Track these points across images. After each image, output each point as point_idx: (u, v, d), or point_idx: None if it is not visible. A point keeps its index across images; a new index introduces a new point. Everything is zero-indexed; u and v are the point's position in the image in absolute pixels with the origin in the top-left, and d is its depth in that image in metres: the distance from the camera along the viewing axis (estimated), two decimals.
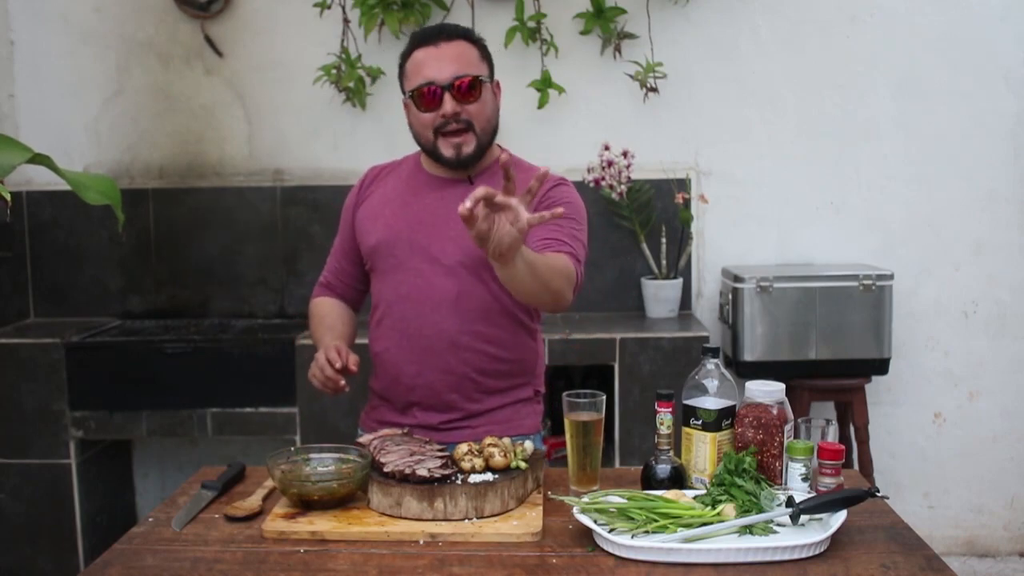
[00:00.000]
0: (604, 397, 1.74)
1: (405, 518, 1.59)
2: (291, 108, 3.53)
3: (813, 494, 1.62)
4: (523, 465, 1.67)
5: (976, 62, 3.44)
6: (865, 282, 3.21)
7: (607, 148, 3.33)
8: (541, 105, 3.38)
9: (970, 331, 3.54)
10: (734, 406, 1.72)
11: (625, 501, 1.56)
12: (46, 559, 3.22)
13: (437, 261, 1.92)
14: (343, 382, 1.84)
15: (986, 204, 3.50)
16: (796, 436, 1.74)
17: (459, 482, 1.61)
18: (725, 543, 1.47)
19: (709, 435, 1.70)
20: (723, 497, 1.56)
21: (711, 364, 1.74)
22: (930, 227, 3.51)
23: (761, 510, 1.54)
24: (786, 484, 1.68)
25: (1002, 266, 3.51)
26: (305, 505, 1.64)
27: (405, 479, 1.60)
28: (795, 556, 1.44)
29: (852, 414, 3.28)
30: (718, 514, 1.52)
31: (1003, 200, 3.49)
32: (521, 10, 3.33)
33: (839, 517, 1.51)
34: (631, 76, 3.40)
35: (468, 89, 1.87)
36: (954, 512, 3.61)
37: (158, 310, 3.59)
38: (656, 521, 1.51)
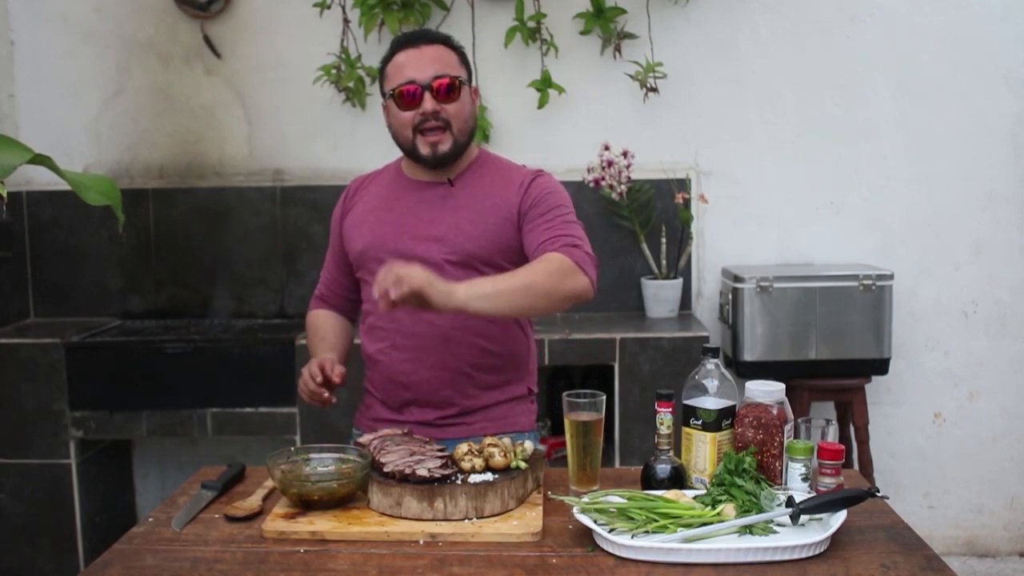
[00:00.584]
0: (604, 397, 1.74)
1: (405, 518, 1.59)
2: (291, 108, 3.53)
3: (813, 494, 1.62)
4: (523, 465, 1.68)
5: (976, 62, 3.44)
6: (865, 282, 3.21)
7: (607, 148, 3.33)
8: (541, 105, 3.38)
9: (970, 331, 3.54)
10: (734, 406, 1.72)
11: (625, 501, 1.56)
12: (46, 559, 3.22)
13: (423, 261, 1.91)
14: (327, 395, 1.88)
15: (986, 204, 3.50)
16: (796, 436, 1.74)
17: (459, 482, 1.61)
18: (725, 543, 1.47)
19: (709, 435, 1.70)
20: (723, 497, 1.56)
21: (711, 364, 1.74)
22: (930, 227, 3.51)
23: (761, 510, 1.54)
24: (786, 484, 1.68)
25: (1002, 266, 3.51)
26: (305, 505, 1.64)
27: (405, 479, 1.60)
28: (795, 556, 1.44)
29: (852, 414, 3.28)
30: (718, 514, 1.52)
31: (1003, 200, 3.49)
32: (521, 10, 3.33)
33: (839, 517, 1.51)
34: (631, 76, 3.40)
35: (447, 90, 1.92)
36: (954, 512, 3.61)
37: (158, 310, 3.59)
38: (656, 521, 1.51)
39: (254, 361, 3.15)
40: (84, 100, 3.56)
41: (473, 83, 2.02)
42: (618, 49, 3.42)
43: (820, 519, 1.55)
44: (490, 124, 3.43)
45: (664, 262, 3.43)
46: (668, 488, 1.66)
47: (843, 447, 1.68)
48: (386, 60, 1.99)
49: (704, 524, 1.50)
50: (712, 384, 1.72)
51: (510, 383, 2.03)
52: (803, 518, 1.54)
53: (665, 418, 1.71)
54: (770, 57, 3.47)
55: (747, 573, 1.42)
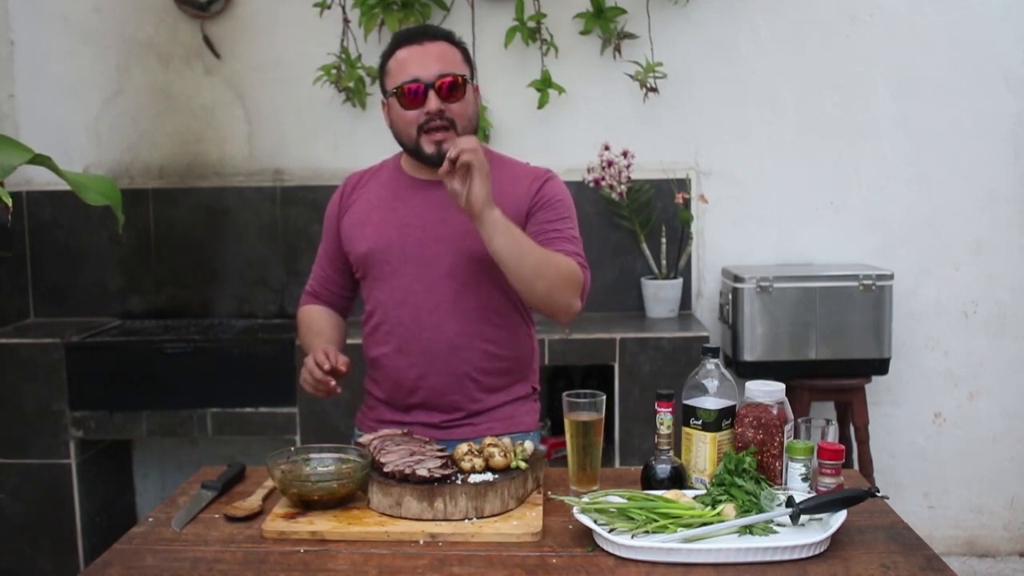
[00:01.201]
0: (604, 397, 1.74)
1: (405, 518, 1.59)
2: (291, 108, 3.53)
3: (813, 494, 1.62)
4: (523, 465, 1.67)
5: (976, 62, 3.44)
6: (865, 282, 3.21)
7: (607, 148, 3.33)
8: (541, 105, 3.38)
9: (970, 331, 3.54)
10: (734, 406, 1.72)
11: (625, 501, 1.56)
12: (46, 559, 3.22)
13: (431, 265, 1.92)
14: (333, 383, 1.84)
15: (986, 204, 3.50)
16: (796, 436, 1.74)
17: (459, 482, 1.61)
18: (725, 543, 1.47)
19: (709, 435, 1.70)
20: (723, 497, 1.56)
21: (711, 364, 1.74)
22: (930, 227, 3.51)
23: (761, 510, 1.54)
24: (786, 484, 1.68)
25: (1002, 266, 3.51)
26: (305, 505, 1.64)
27: (405, 479, 1.60)
28: (795, 556, 1.44)
29: (852, 414, 3.28)
30: (718, 514, 1.52)
31: (1003, 200, 3.49)
32: (521, 10, 3.33)
33: (839, 517, 1.51)
34: (631, 76, 3.40)
35: (452, 88, 1.88)
36: (954, 512, 3.61)
37: (158, 310, 3.59)
38: (656, 521, 1.51)
39: (254, 361, 3.15)
40: (84, 100, 3.56)
41: (475, 80, 1.99)
42: (618, 49, 3.42)
43: (820, 519, 1.55)
44: (490, 124, 3.43)
45: (664, 262, 3.43)
46: (668, 488, 1.65)
47: (843, 447, 1.68)
48: (387, 55, 1.95)
49: (704, 524, 1.50)
50: (712, 384, 1.72)
51: (515, 383, 2.02)
52: (803, 518, 1.54)
53: (665, 418, 1.70)
54: (770, 57, 3.47)
55: (747, 573, 1.42)
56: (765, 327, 3.21)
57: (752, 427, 1.71)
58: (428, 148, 1.90)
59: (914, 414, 3.58)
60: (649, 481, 1.70)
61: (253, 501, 1.70)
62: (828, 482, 1.65)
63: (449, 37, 1.95)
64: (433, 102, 1.87)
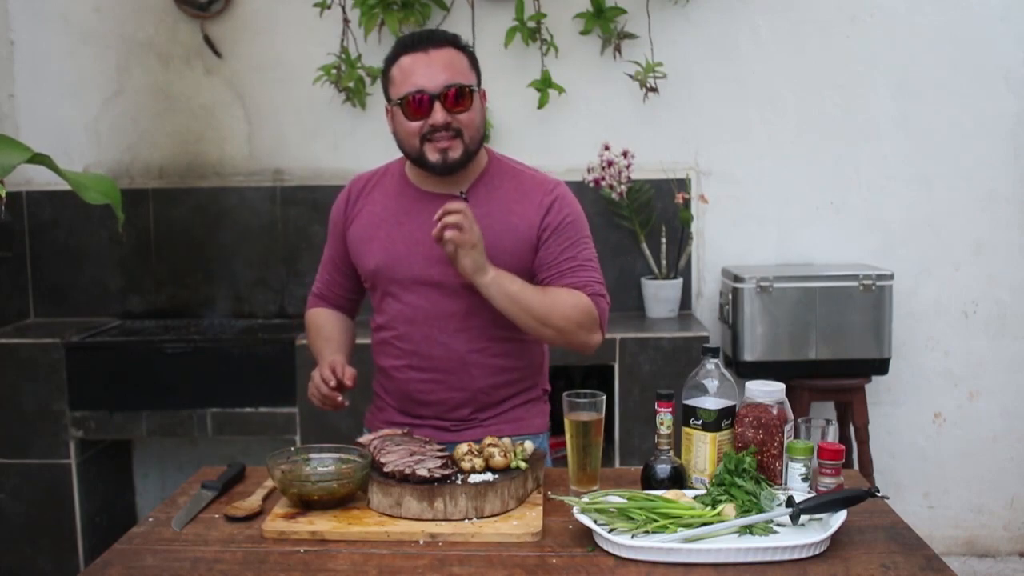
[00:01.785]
0: (604, 397, 1.74)
1: (405, 518, 1.59)
2: (291, 108, 3.53)
3: (813, 494, 1.62)
4: (523, 465, 1.68)
5: (976, 62, 3.44)
6: (865, 282, 3.21)
7: (607, 148, 3.33)
8: (541, 105, 3.38)
9: (970, 331, 3.54)
10: (734, 406, 1.72)
11: (625, 501, 1.56)
12: (46, 559, 3.22)
13: (441, 284, 1.90)
14: (340, 398, 1.85)
15: (986, 204, 3.50)
16: (796, 436, 1.74)
17: (459, 482, 1.61)
18: (725, 543, 1.47)
19: (709, 435, 1.70)
20: (723, 497, 1.56)
21: (711, 364, 1.74)
22: (930, 227, 3.51)
23: (761, 510, 1.54)
24: (786, 484, 1.68)
25: (1002, 266, 3.51)
26: (305, 505, 1.64)
27: (405, 479, 1.60)
28: (795, 556, 1.44)
29: (852, 414, 3.28)
30: (718, 514, 1.52)
31: (1003, 200, 3.49)
32: (521, 10, 3.33)
33: (839, 517, 1.51)
34: (631, 76, 3.40)
35: (458, 98, 1.83)
36: (954, 512, 3.61)
37: (158, 310, 3.59)
38: (656, 521, 1.51)
39: (254, 361, 3.15)
40: (84, 100, 3.56)
41: (481, 85, 1.94)
42: (618, 49, 3.42)
43: (820, 519, 1.55)
44: (490, 124, 3.42)
45: (664, 262, 3.43)
46: (668, 488, 1.65)
47: (843, 447, 1.68)
48: (390, 61, 1.88)
49: (704, 524, 1.50)
50: (712, 384, 1.72)
51: (526, 388, 2.02)
52: (803, 518, 1.54)
53: (665, 418, 1.70)
54: (770, 57, 3.47)
55: (747, 573, 1.42)
56: (765, 327, 3.21)
57: (752, 427, 1.71)
58: (432, 156, 1.86)
59: (914, 414, 3.58)
60: (649, 481, 1.70)
61: (253, 501, 1.70)
62: (828, 482, 1.65)
63: (455, 42, 1.89)
64: (439, 114, 1.82)
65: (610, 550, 1.47)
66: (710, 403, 1.71)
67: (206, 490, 1.77)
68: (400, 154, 1.97)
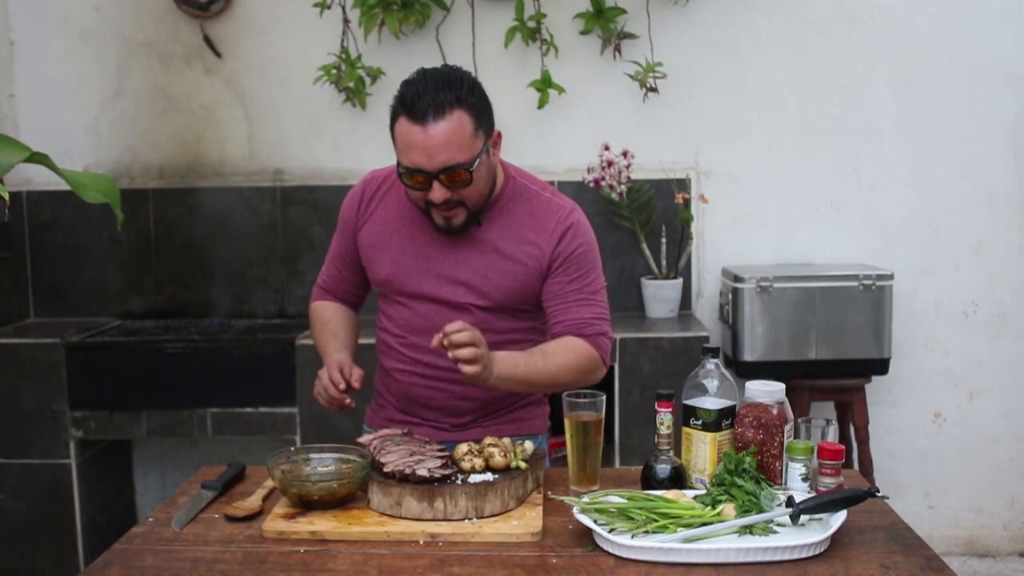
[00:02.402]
0: (604, 397, 1.74)
1: (405, 518, 1.59)
2: (291, 108, 3.53)
3: (813, 494, 1.62)
4: (523, 465, 1.68)
5: (976, 62, 3.44)
6: (865, 282, 3.21)
7: (607, 148, 3.33)
8: (541, 105, 3.38)
9: (970, 331, 3.54)
10: (734, 406, 1.72)
11: (625, 501, 1.56)
12: (46, 559, 3.22)
13: (448, 303, 1.90)
14: (348, 400, 1.85)
15: (986, 204, 3.50)
16: (796, 436, 1.74)
17: (459, 482, 1.61)
18: (725, 543, 1.47)
19: (709, 435, 1.70)
20: (723, 497, 1.57)
21: (711, 364, 1.74)
22: (930, 227, 3.51)
23: (761, 510, 1.54)
24: (786, 484, 1.68)
25: (1002, 266, 3.51)
26: (305, 505, 1.64)
27: (405, 479, 1.60)
28: (795, 556, 1.44)
29: (852, 414, 3.28)
30: (718, 514, 1.52)
31: (1003, 200, 3.49)
32: (521, 10, 3.33)
33: (839, 517, 1.51)
34: (631, 76, 3.40)
35: (457, 177, 1.76)
36: (954, 512, 3.61)
37: (158, 310, 3.59)
38: (656, 521, 1.51)
39: (254, 361, 3.15)
40: (84, 100, 3.56)
41: (494, 131, 1.84)
42: (618, 49, 3.42)
43: (820, 519, 1.55)
44: None
45: (664, 262, 3.43)
46: (668, 488, 1.66)
47: (843, 447, 1.68)
48: (394, 112, 1.79)
49: (704, 524, 1.50)
50: (712, 384, 1.72)
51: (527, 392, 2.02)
52: (803, 518, 1.54)
53: (665, 418, 1.70)
54: (770, 57, 3.47)
55: (747, 573, 1.42)
56: (765, 327, 3.21)
57: (752, 427, 1.71)
58: (436, 220, 1.84)
59: (914, 414, 3.58)
60: (649, 481, 1.70)
61: (253, 501, 1.70)
62: (828, 482, 1.65)
63: (458, 102, 1.74)
64: (438, 192, 1.76)
65: (610, 550, 1.47)
66: (710, 403, 1.71)
67: (206, 490, 1.77)
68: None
